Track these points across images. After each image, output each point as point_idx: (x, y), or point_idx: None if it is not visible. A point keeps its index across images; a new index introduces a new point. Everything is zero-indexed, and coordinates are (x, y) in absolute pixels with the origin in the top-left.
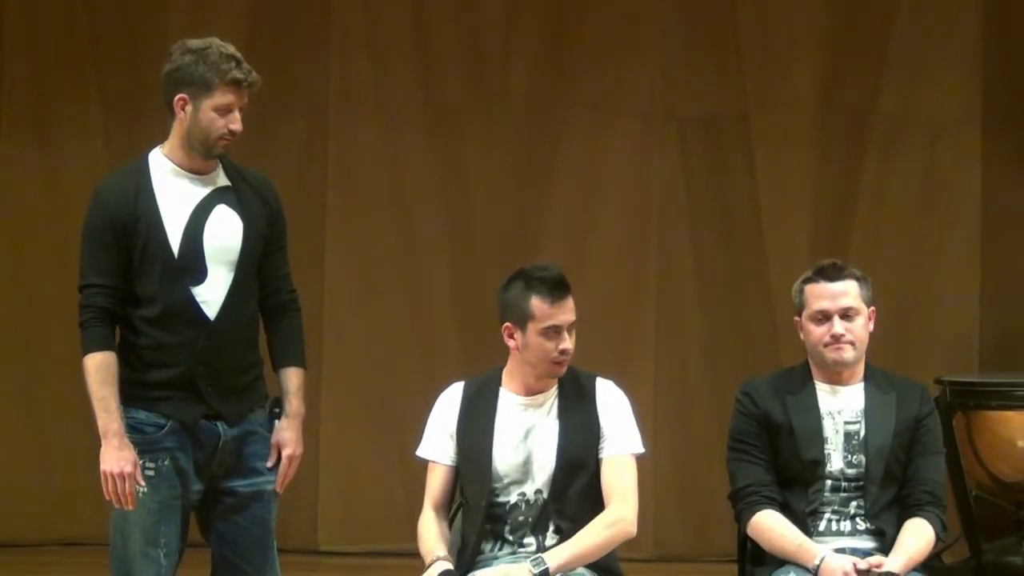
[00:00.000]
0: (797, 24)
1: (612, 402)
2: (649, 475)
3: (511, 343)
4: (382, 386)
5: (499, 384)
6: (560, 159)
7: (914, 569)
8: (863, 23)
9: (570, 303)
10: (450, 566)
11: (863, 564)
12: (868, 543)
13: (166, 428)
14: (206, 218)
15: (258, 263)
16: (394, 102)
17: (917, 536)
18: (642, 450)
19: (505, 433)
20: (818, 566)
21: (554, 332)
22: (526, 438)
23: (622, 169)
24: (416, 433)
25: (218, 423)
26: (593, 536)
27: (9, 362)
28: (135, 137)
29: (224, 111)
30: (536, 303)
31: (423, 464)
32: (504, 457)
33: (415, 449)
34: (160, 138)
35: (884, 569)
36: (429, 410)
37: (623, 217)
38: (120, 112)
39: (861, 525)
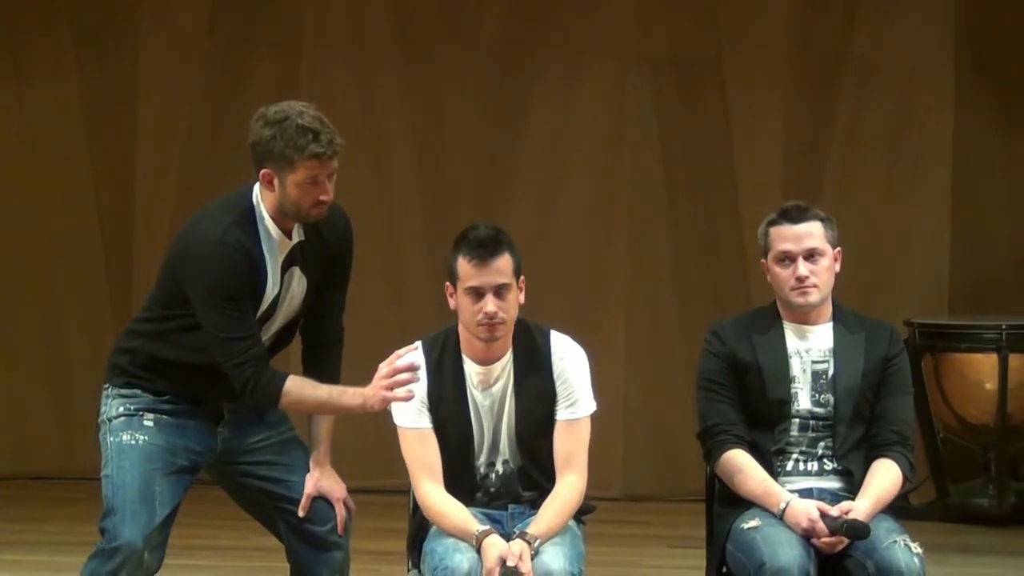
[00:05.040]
0: None
1: (567, 362)
2: (619, 415)
3: (451, 303)
4: (352, 323)
5: (459, 350)
6: (534, 99)
7: (881, 511)
8: None
9: (498, 264)
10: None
11: (834, 511)
12: (835, 483)
13: (165, 398)
14: (288, 287)
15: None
16: (368, 41)
17: (884, 478)
18: (594, 408)
19: (472, 410)
20: (783, 510)
21: (475, 294)
22: (489, 413)
23: (595, 109)
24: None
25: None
26: (566, 513)
27: None
28: (107, 72)
29: (310, 183)
30: (461, 262)
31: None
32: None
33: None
34: (130, 75)
35: (851, 516)
36: (396, 348)
37: (596, 157)
38: (92, 47)
39: (828, 465)
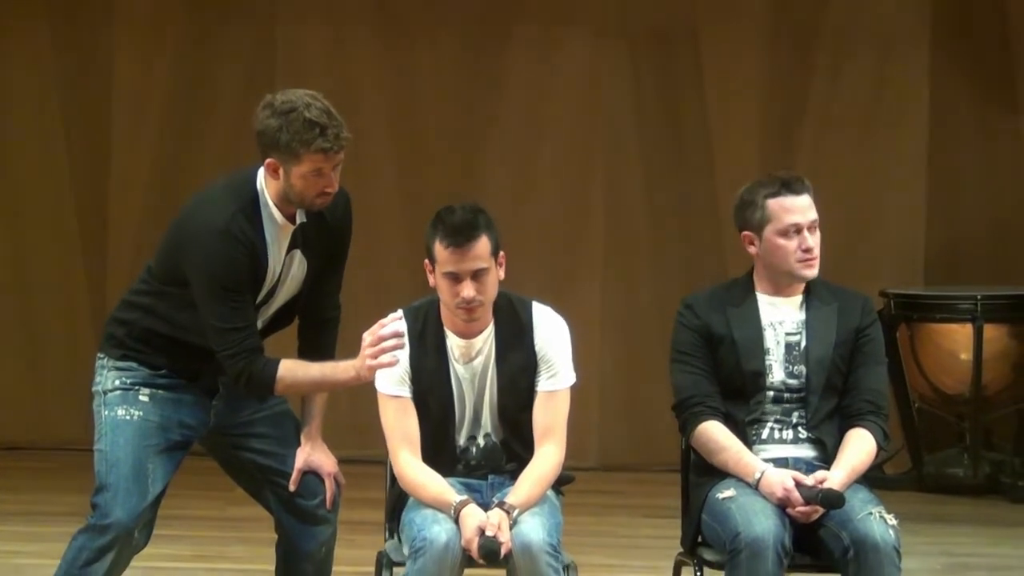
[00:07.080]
0: None
1: (549, 333)
2: (595, 386)
3: (430, 280)
4: None
5: (441, 323)
6: (510, 70)
7: (856, 481)
8: None
9: (475, 250)
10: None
11: (809, 480)
12: (809, 452)
13: (161, 372)
14: (289, 269)
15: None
16: (343, 12)
17: (858, 447)
18: (574, 380)
19: (454, 383)
20: (758, 480)
21: (453, 279)
22: (471, 386)
23: (571, 82)
24: (360, 341)
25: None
26: (544, 483)
27: None
28: (82, 51)
29: (315, 176)
30: (438, 247)
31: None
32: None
33: (357, 356)
34: (104, 47)
35: (825, 485)
36: (373, 316)
37: (572, 130)
38: (66, 19)
39: (803, 434)
